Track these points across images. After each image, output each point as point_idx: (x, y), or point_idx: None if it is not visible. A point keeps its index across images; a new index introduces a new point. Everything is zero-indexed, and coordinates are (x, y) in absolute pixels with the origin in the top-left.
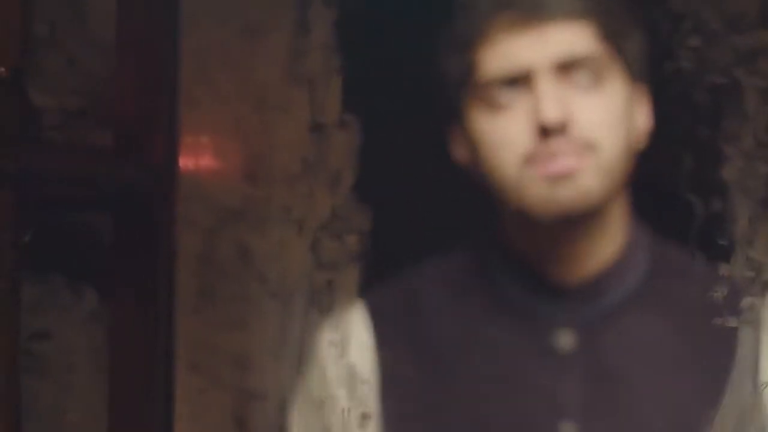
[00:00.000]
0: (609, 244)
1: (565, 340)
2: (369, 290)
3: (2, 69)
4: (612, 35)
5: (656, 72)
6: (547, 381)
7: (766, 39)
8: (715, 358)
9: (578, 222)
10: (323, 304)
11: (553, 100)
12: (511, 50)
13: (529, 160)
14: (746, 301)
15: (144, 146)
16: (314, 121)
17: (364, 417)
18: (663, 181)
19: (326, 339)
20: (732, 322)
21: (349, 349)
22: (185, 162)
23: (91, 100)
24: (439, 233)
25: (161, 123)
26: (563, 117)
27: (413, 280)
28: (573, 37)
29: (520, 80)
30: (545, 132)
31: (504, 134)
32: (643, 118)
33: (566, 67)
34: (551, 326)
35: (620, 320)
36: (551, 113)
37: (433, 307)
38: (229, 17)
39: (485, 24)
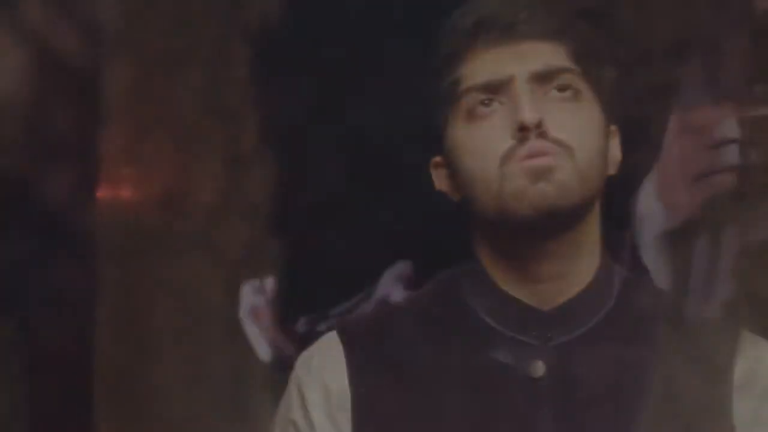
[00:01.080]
0: (584, 268)
1: (540, 366)
2: (343, 320)
3: None
4: (584, 60)
5: None
6: (523, 407)
7: (676, 73)
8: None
9: (556, 229)
10: (240, 335)
11: (530, 102)
12: (492, 63)
13: (509, 158)
14: (661, 331)
15: (63, 175)
16: (232, 153)
17: None
18: None
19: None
20: (645, 353)
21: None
22: (104, 192)
23: (12, 129)
24: (358, 265)
25: (81, 152)
26: (540, 118)
27: (389, 309)
28: (549, 53)
29: (500, 90)
30: (523, 131)
31: (484, 139)
32: (615, 150)
33: (543, 79)
34: (526, 352)
35: (593, 345)
36: (529, 113)
37: (409, 336)
38: (149, 50)
39: (468, 44)
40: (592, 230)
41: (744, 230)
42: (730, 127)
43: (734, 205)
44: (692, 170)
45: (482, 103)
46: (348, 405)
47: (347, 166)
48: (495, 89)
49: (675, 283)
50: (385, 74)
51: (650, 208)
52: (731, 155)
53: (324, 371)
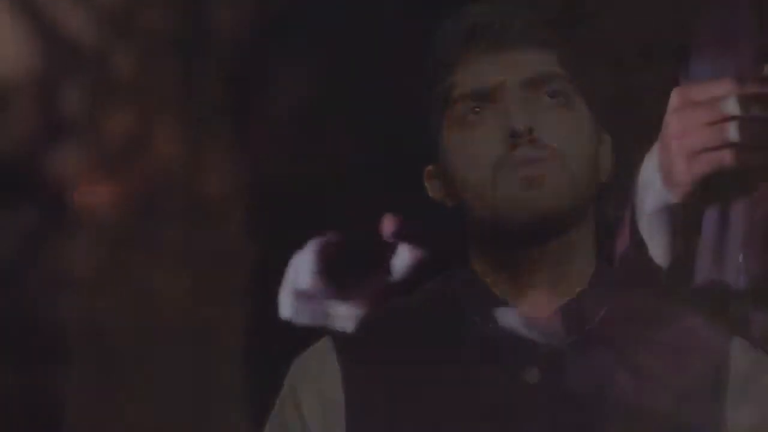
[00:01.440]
0: (578, 274)
1: (536, 372)
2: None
3: None
4: (575, 67)
5: None
6: (519, 413)
7: (646, 79)
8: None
9: (549, 235)
10: (213, 338)
11: (521, 108)
12: (483, 71)
13: (501, 165)
14: (654, 337)
15: (37, 179)
16: (205, 155)
17: None
18: None
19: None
20: (640, 359)
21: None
22: (78, 195)
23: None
24: (331, 267)
25: (56, 155)
26: (531, 124)
27: (382, 314)
28: (540, 60)
29: (491, 97)
30: (515, 138)
31: (476, 146)
32: (606, 156)
33: (534, 85)
34: (521, 358)
35: (588, 350)
36: (520, 120)
37: (402, 341)
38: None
39: (460, 52)
40: (585, 236)
41: (745, 209)
42: (731, 104)
43: (735, 182)
44: (691, 146)
45: (473, 110)
46: (342, 412)
47: (321, 169)
48: (486, 96)
49: (674, 260)
50: (377, 76)
51: (649, 182)
52: (731, 132)
53: (318, 378)
